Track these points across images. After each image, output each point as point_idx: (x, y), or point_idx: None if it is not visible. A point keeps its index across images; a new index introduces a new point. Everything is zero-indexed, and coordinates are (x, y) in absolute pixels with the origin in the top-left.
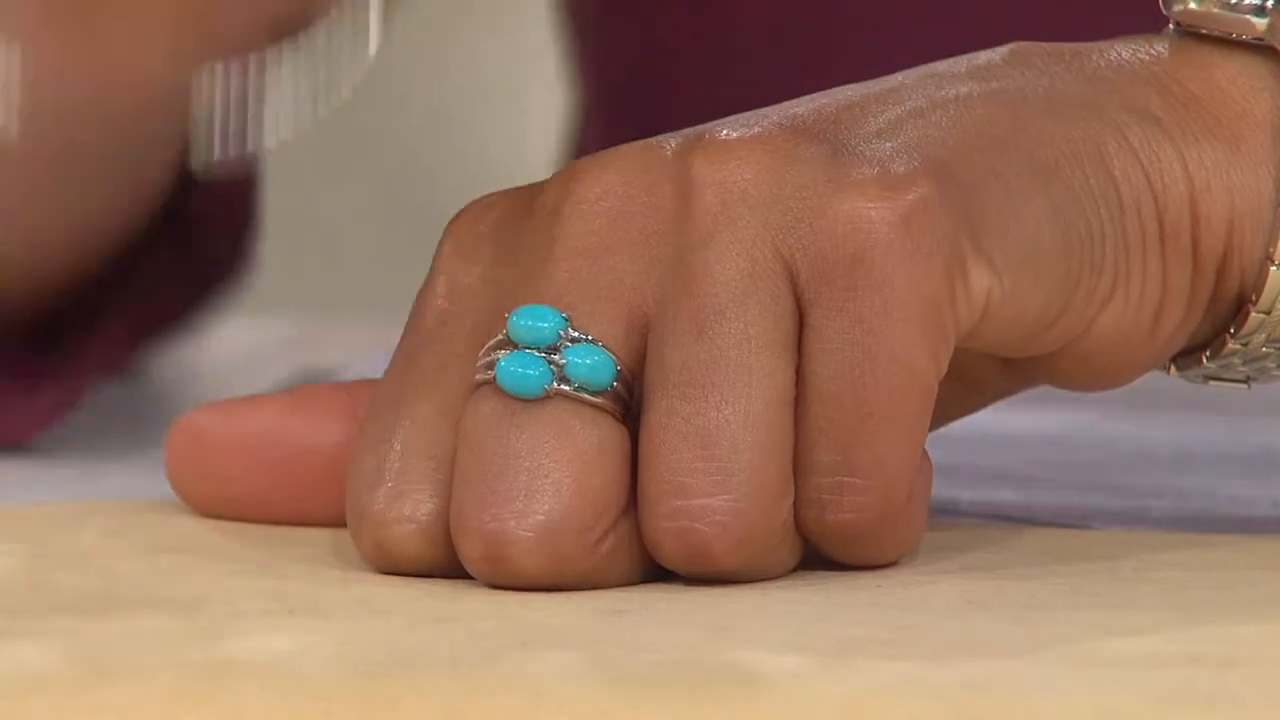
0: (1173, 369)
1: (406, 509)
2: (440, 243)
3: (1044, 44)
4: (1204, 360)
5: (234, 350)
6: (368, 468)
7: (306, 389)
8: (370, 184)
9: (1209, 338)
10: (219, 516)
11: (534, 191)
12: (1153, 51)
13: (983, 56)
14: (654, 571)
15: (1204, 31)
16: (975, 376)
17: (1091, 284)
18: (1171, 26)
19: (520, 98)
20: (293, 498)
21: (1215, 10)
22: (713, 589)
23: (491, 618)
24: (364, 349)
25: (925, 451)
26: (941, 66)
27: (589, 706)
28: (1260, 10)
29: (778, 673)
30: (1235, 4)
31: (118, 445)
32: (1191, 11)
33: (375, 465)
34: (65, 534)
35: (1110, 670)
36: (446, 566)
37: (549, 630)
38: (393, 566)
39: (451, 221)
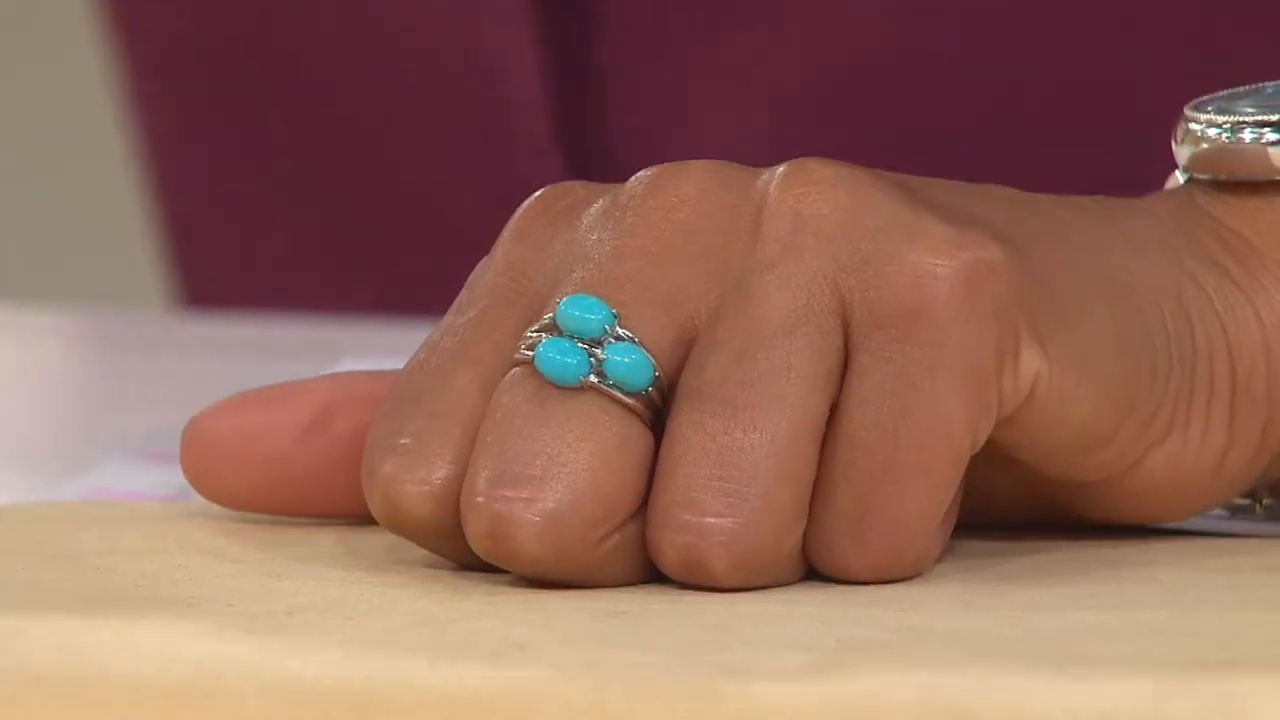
0: (1258, 507)
1: (422, 470)
2: (509, 222)
3: (1118, 198)
4: None
5: (231, 350)
6: (391, 425)
7: (345, 376)
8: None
9: None
10: (246, 510)
11: (611, 189)
12: (1199, 202)
13: (1067, 197)
14: (654, 574)
15: (1222, 178)
16: (1002, 505)
17: (1146, 415)
18: (1180, 175)
19: None
20: (331, 490)
21: (1227, 145)
22: (710, 590)
23: (491, 618)
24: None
25: (955, 503)
26: (1026, 192)
27: (588, 707)
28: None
29: (777, 674)
30: (1258, 138)
31: (118, 445)
32: (1204, 156)
33: (399, 423)
34: (65, 534)
35: (1110, 671)
36: (451, 535)
37: (548, 630)
38: (399, 526)
39: (524, 204)
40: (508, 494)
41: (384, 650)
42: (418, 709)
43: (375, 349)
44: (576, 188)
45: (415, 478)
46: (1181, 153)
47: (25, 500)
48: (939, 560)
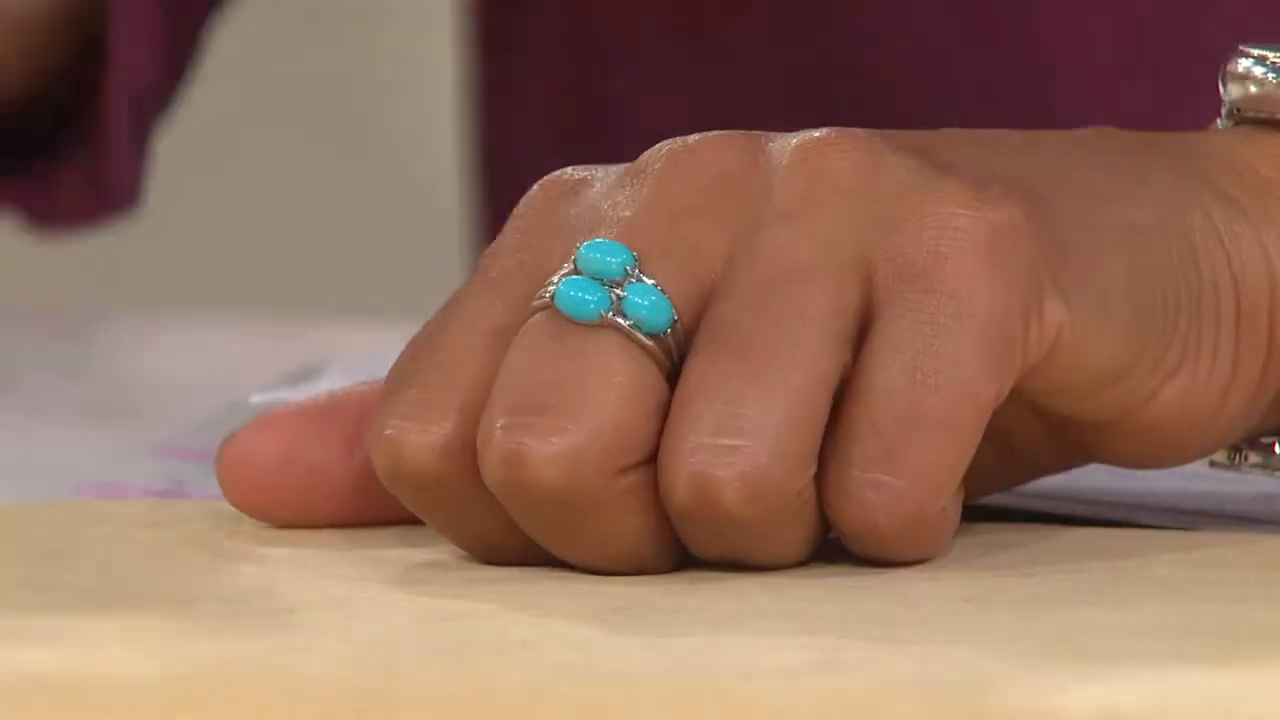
0: (1239, 458)
1: (426, 421)
2: (519, 204)
3: (1129, 130)
4: (1276, 449)
5: (231, 350)
6: (400, 381)
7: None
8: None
9: (1277, 428)
10: (292, 525)
11: (622, 166)
12: (1223, 139)
13: (1075, 131)
14: (659, 564)
15: (1264, 116)
16: (1023, 445)
17: (1159, 351)
18: (1224, 114)
19: None
20: (375, 497)
21: (1271, 83)
22: (712, 587)
23: (492, 615)
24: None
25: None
26: (1036, 132)
27: (589, 705)
28: None
29: (778, 671)
30: None
31: (119, 444)
32: (1252, 96)
33: (408, 375)
34: (65, 534)
35: (1111, 668)
36: (451, 487)
37: (550, 628)
38: (399, 477)
39: (531, 189)
40: (526, 422)
41: (385, 648)
42: (419, 707)
43: (369, 350)
44: (583, 169)
45: (417, 427)
46: (1228, 90)
47: (23, 499)
48: (940, 557)
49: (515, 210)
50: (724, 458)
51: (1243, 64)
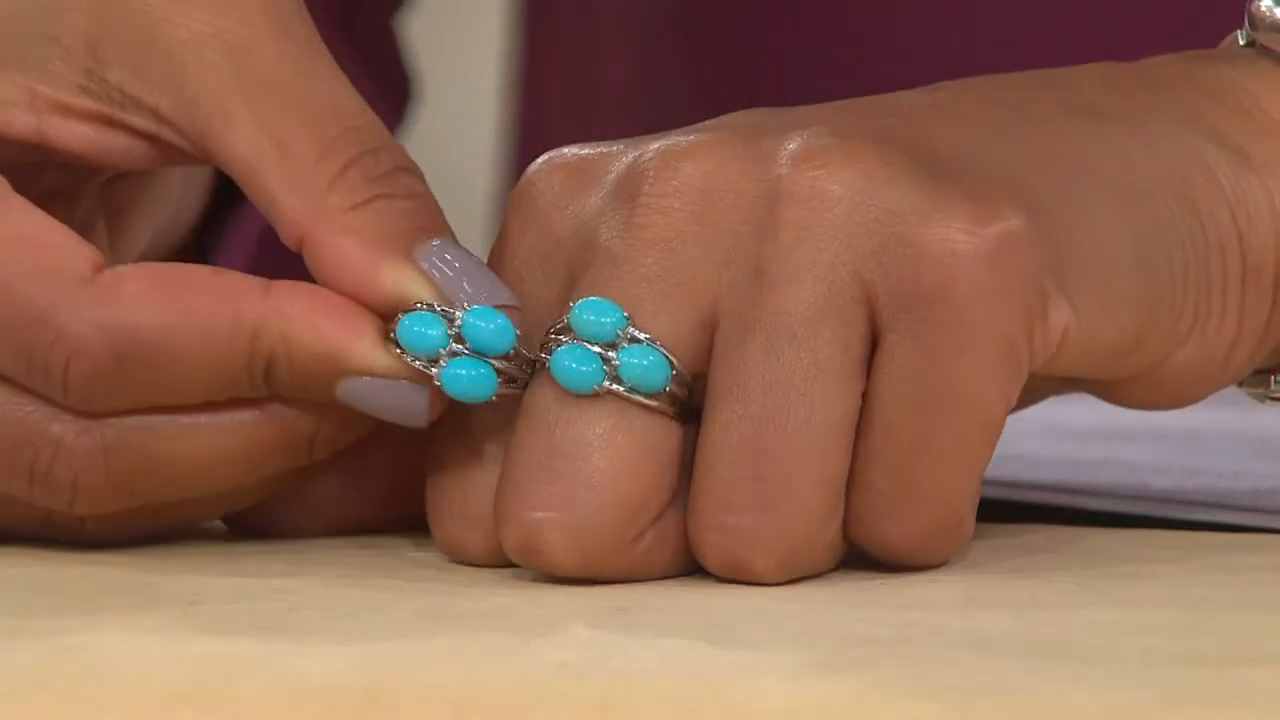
0: (1235, 387)
1: (470, 510)
2: (514, 202)
3: (1131, 66)
4: (1273, 382)
5: None
6: (445, 464)
7: None
8: None
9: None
10: (289, 537)
11: (614, 157)
12: (1233, 72)
13: (1070, 74)
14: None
15: None
16: (1030, 390)
17: (1170, 323)
18: (1241, 38)
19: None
20: (361, 504)
21: None
22: (712, 587)
23: (493, 615)
24: None
25: None
26: (1025, 80)
27: (589, 705)
28: None
29: (779, 671)
30: None
31: None
32: (1276, 37)
33: (443, 458)
34: (66, 534)
35: (1113, 668)
36: (499, 552)
37: (549, 629)
38: (465, 562)
39: (525, 181)
40: (534, 506)
41: (386, 648)
42: (419, 706)
43: None
44: (582, 149)
45: (464, 515)
46: (1255, 28)
47: None
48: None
49: (511, 213)
50: (749, 535)
51: (1265, 2)
